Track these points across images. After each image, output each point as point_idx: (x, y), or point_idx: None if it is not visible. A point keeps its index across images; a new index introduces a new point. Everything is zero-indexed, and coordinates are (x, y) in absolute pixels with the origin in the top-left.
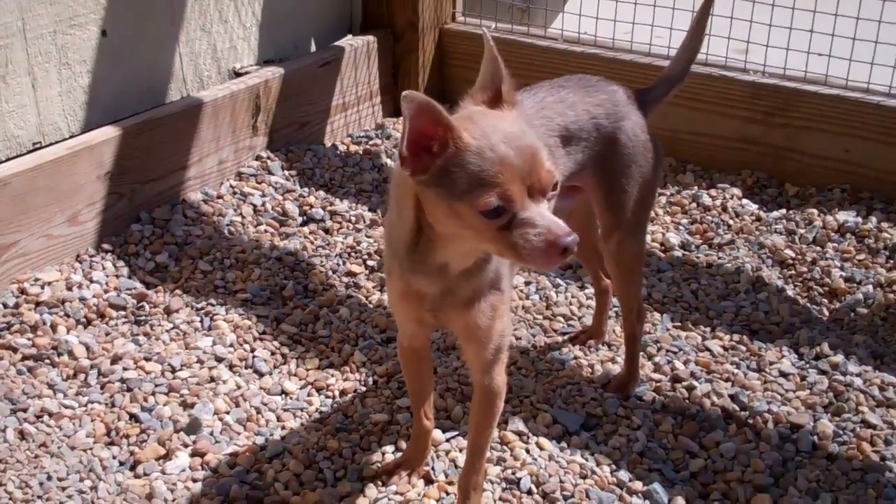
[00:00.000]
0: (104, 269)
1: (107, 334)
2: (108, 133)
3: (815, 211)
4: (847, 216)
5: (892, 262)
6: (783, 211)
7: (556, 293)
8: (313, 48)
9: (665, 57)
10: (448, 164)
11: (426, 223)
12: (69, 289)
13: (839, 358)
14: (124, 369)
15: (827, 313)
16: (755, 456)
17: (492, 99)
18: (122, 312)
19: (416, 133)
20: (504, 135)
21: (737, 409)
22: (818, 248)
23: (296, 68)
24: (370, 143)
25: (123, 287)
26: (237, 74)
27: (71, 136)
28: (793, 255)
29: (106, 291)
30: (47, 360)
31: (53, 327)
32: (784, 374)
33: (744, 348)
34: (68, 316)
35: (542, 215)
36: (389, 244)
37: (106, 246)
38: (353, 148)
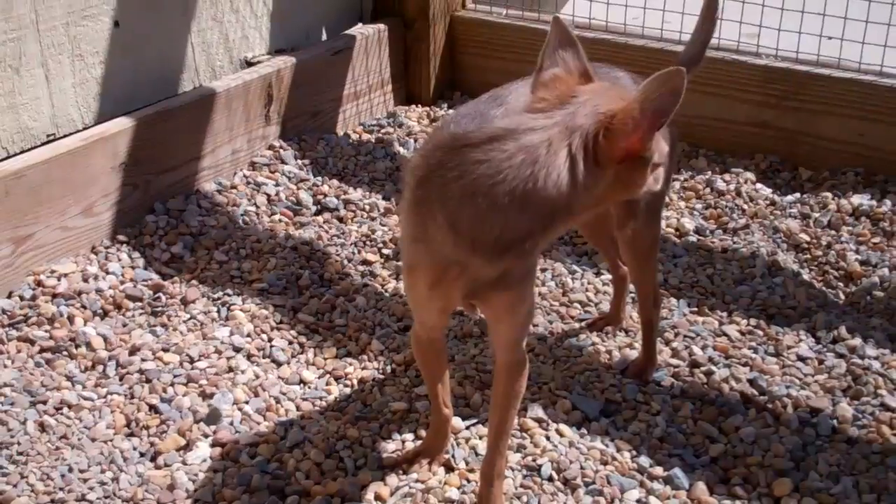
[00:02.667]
0: (120, 260)
1: (124, 325)
2: (122, 124)
3: (829, 195)
4: (861, 199)
5: None
6: (797, 195)
7: (573, 280)
8: (324, 37)
9: (677, 41)
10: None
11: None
12: (85, 280)
13: (857, 341)
14: (142, 360)
15: (843, 297)
16: (775, 440)
17: (585, 79)
18: (139, 303)
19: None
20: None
21: (756, 393)
22: (833, 232)
23: (307, 57)
24: (382, 131)
25: (139, 278)
26: (249, 64)
27: (85, 128)
28: (808, 238)
29: (122, 283)
30: (65, 353)
31: (70, 319)
32: (802, 359)
33: (761, 333)
34: (85, 307)
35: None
36: (429, 237)
37: (121, 237)
38: (365, 136)
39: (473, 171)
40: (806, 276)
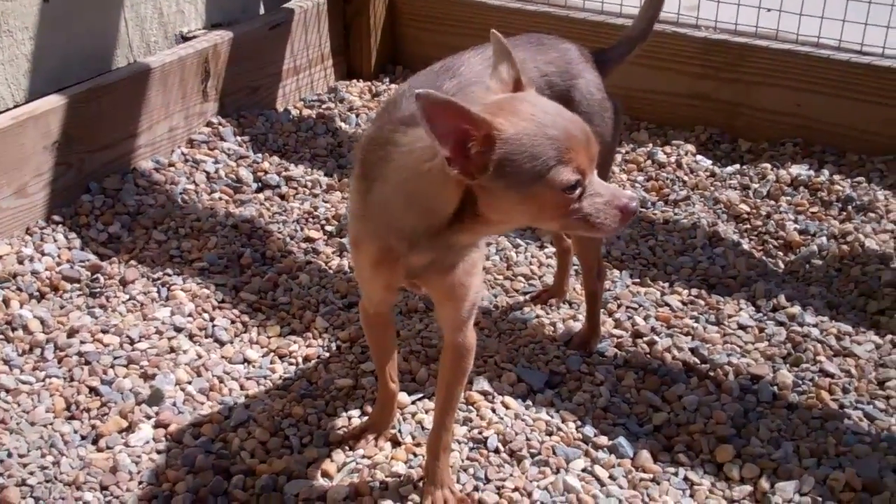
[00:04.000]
0: (55, 241)
1: (62, 307)
2: (54, 102)
3: (768, 165)
4: (800, 170)
5: (844, 213)
6: (737, 166)
7: (517, 253)
8: (262, 11)
9: (618, 14)
10: (507, 155)
11: (467, 214)
12: (20, 262)
13: (796, 309)
14: (81, 342)
15: (782, 266)
16: (717, 408)
17: (513, 89)
18: (77, 285)
19: (445, 132)
20: (554, 112)
21: (697, 362)
22: (772, 202)
23: (245, 32)
24: (323, 106)
25: (76, 259)
26: (185, 39)
27: (15, 106)
28: (747, 209)
29: (59, 264)
30: (1, 336)
31: (6, 302)
32: (743, 327)
33: (702, 302)
34: (21, 290)
35: (602, 184)
36: (369, 217)
37: (56, 218)
38: (305, 112)
39: (390, 153)
40: (746, 246)
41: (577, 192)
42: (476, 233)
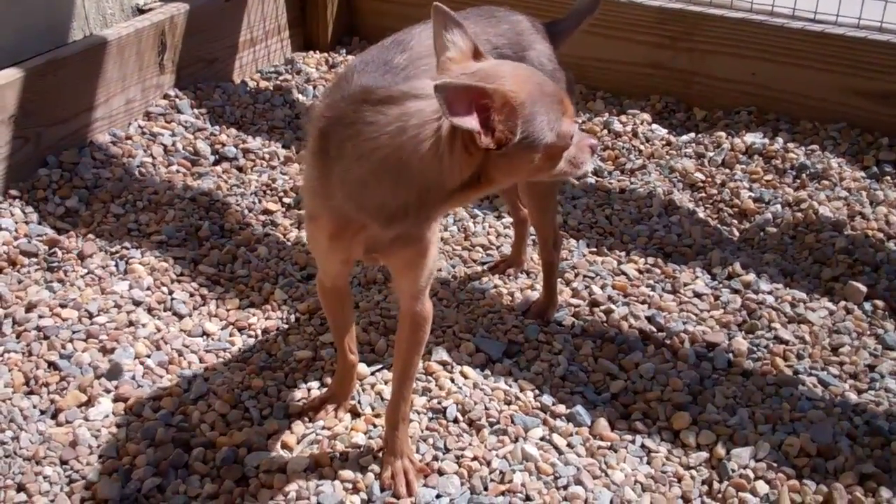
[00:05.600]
0: (13, 215)
1: (19, 282)
2: (10, 75)
3: (723, 134)
4: (754, 138)
5: (798, 181)
6: (692, 135)
7: (474, 224)
8: None
9: None
10: (527, 117)
11: (472, 182)
12: None
13: (751, 277)
14: (40, 317)
15: (737, 234)
16: (673, 375)
17: (476, 56)
18: (34, 259)
19: (474, 110)
20: (532, 73)
21: (654, 330)
22: (727, 171)
23: (201, 3)
24: (280, 78)
25: (34, 233)
26: (141, 11)
27: None
28: (703, 177)
29: (16, 238)
30: None
31: None
32: (698, 295)
33: (658, 271)
34: None
35: (577, 131)
36: (329, 193)
37: (13, 192)
38: (263, 84)
39: (363, 131)
40: (701, 215)
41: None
42: (468, 199)
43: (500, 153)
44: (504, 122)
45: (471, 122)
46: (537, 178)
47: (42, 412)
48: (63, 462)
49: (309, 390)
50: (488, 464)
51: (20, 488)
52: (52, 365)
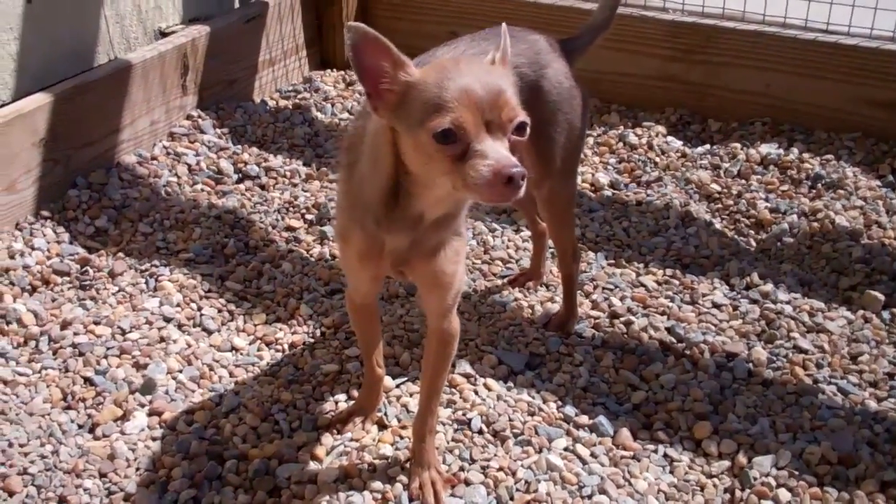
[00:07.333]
0: (45, 235)
1: (53, 300)
2: (40, 100)
3: (738, 145)
4: (769, 148)
5: (814, 191)
6: (707, 146)
7: (493, 237)
8: (237, 4)
9: None
10: (407, 95)
11: (403, 170)
12: (11, 257)
13: (769, 287)
14: (75, 334)
15: (754, 244)
16: (694, 385)
17: None
18: (67, 278)
19: (368, 66)
20: (470, 71)
21: (674, 341)
22: (743, 181)
23: (221, 25)
24: (299, 97)
25: (66, 253)
26: (163, 34)
27: (2, 105)
28: (719, 188)
29: (49, 258)
30: None
31: None
32: (717, 305)
33: (677, 282)
34: (13, 284)
35: (496, 149)
36: (354, 204)
37: (45, 213)
38: (282, 103)
39: (365, 135)
40: (718, 225)
41: (457, 147)
42: (421, 197)
43: (396, 131)
44: (388, 91)
45: (359, 74)
46: (440, 181)
47: (80, 426)
48: (102, 475)
49: (336, 403)
50: (513, 474)
51: (61, 500)
52: (87, 381)
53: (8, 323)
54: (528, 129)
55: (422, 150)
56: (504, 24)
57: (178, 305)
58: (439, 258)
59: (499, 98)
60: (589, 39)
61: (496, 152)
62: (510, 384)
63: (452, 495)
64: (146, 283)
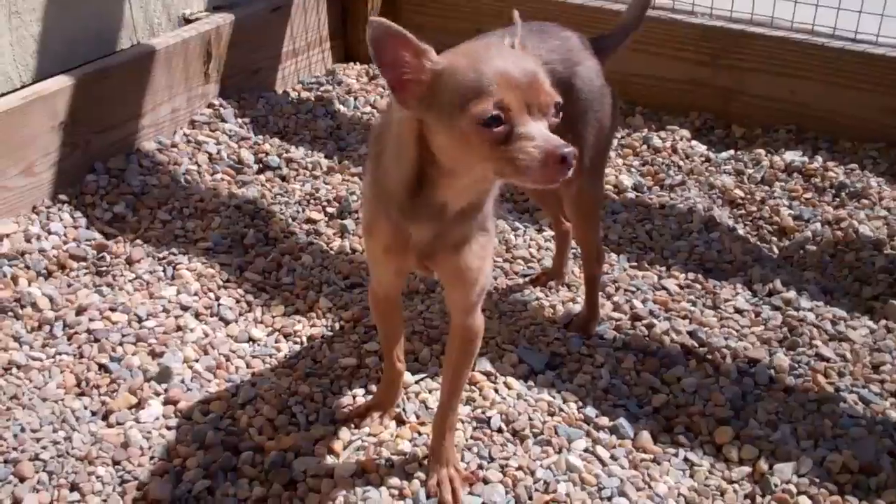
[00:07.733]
0: (62, 220)
1: (69, 285)
2: (61, 82)
3: (762, 151)
4: (794, 156)
5: (838, 200)
6: (731, 152)
7: (516, 236)
8: None
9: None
10: (436, 83)
11: (428, 160)
12: (28, 241)
13: (791, 294)
14: (90, 320)
15: (777, 251)
16: (715, 390)
17: None
18: (83, 263)
19: (390, 60)
20: (502, 54)
21: (695, 345)
22: (766, 188)
23: (246, 14)
24: (321, 89)
25: (83, 238)
26: (187, 21)
27: (23, 86)
28: (742, 194)
29: (65, 242)
30: (11, 313)
31: (14, 279)
32: (739, 311)
33: (699, 286)
34: (29, 268)
35: (541, 131)
36: (379, 194)
37: (62, 197)
38: (304, 94)
39: (391, 125)
40: (741, 231)
41: (502, 130)
42: (446, 187)
43: (425, 123)
44: (414, 81)
45: (381, 68)
46: (479, 169)
47: (93, 413)
48: (115, 463)
49: (354, 397)
50: (532, 473)
51: (73, 487)
52: (102, 367)
53: (23, 307)
54: (562, 112)
55: (459, 138)
56: (516, 12)
57: (195, 294)
58: (464, 253)
59: (535, 80)
60: (620, 38)
61: (543, 133)
62: (531, 383)
63: (471, 493)
64: (164, 270)
